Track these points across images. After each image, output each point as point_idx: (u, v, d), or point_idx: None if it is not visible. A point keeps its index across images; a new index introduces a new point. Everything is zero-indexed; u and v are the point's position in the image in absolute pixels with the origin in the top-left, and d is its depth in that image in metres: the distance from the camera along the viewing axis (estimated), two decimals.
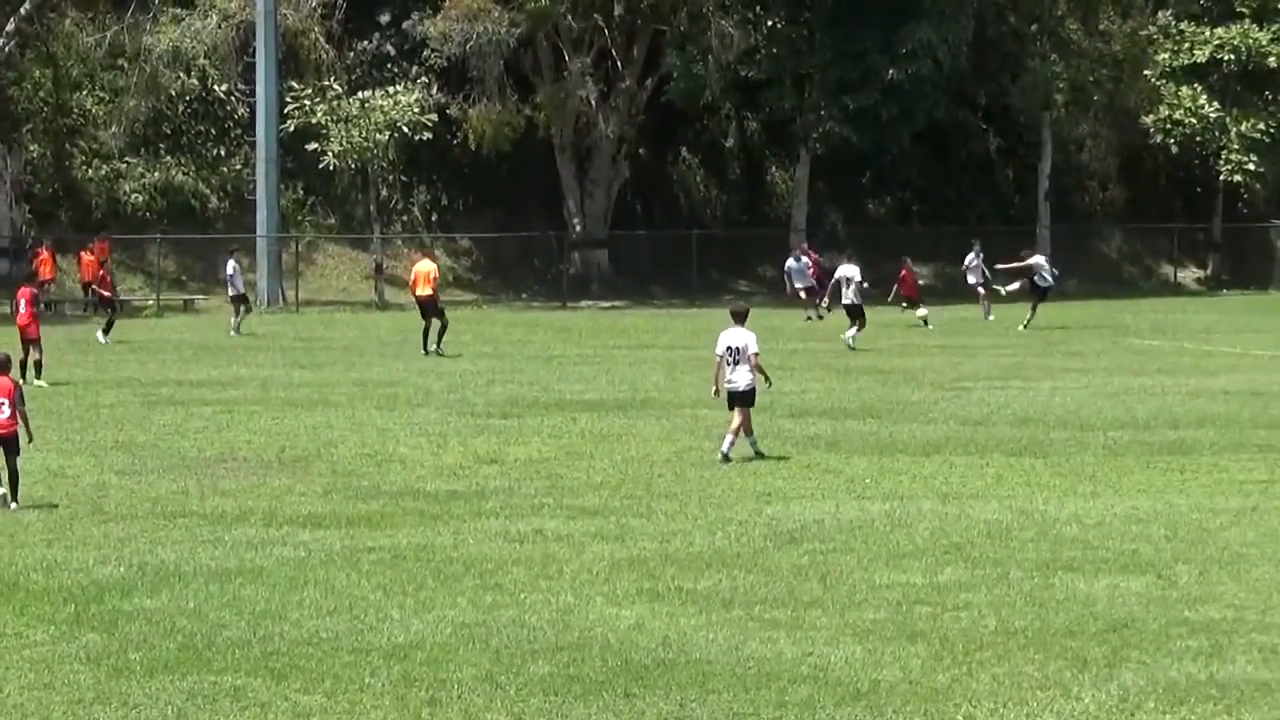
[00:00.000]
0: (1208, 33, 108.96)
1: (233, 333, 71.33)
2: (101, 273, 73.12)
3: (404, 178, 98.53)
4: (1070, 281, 78.91)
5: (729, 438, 39.69)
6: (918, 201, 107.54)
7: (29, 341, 49.85)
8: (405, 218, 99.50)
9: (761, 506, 34.74)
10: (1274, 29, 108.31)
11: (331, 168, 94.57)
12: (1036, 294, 72.75)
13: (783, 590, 27.53)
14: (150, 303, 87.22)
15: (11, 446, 33.79)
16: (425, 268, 66.82)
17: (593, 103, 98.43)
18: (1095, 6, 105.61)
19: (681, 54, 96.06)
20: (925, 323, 72.97)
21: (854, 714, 21.08)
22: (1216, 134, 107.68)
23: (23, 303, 47.86)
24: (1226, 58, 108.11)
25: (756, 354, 39.68)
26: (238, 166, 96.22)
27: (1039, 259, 74.13)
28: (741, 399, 39.60)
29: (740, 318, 40.13)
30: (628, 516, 33.77)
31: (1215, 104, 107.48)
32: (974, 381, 55.95)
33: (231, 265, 74.38)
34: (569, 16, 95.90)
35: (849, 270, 66.38)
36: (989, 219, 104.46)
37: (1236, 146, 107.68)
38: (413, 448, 42.36)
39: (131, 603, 26.60)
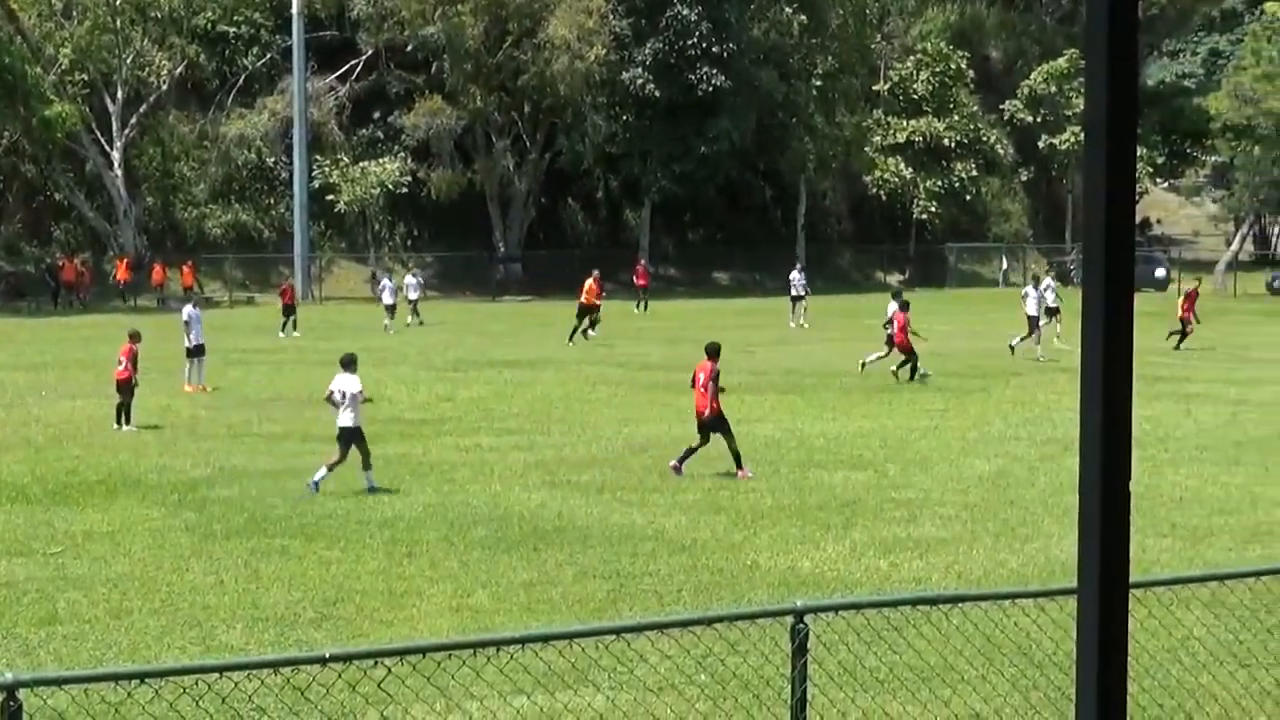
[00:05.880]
0: (905, 123, 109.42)
1: (388, 332, 65.18)
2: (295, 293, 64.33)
3: (389, 217, 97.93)
4: (818, 284, 78.66)
5: None
6: (720, 231, 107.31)
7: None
8: (390, 243, 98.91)
9: (621, 428, 34.82)
10: (947, 121, 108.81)
11: (342, 211, 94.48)
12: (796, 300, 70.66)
13: (635, 481, 27.63)
14: (225, 299, 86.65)
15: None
16: (590, 283, 61.98)
17: (510, 168, 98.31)
18: (833, 107, 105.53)
19: (568, 137, 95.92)
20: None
21: (681, 561, 21.15)
22: (910, 188, 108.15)
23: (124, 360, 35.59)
24: (917, 139, 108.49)
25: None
26: (281, 210, 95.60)
27: (794, 275, 72.27)
28: None
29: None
30: (535, 435, 33.81)
31: (909, 169, 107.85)
32: (757, 347, 56.03)
33: (384, 282, 71.88)
34: (495, 113, 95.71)
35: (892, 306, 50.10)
36: (765, 244, 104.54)
37: (923, 197, 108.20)
38: (396, 390, 42.21)
39: (214, 492, 26.55)
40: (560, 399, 40.60)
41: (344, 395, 26.95)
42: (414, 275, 75.12)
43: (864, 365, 46.39)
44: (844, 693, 13.69)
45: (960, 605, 12.76)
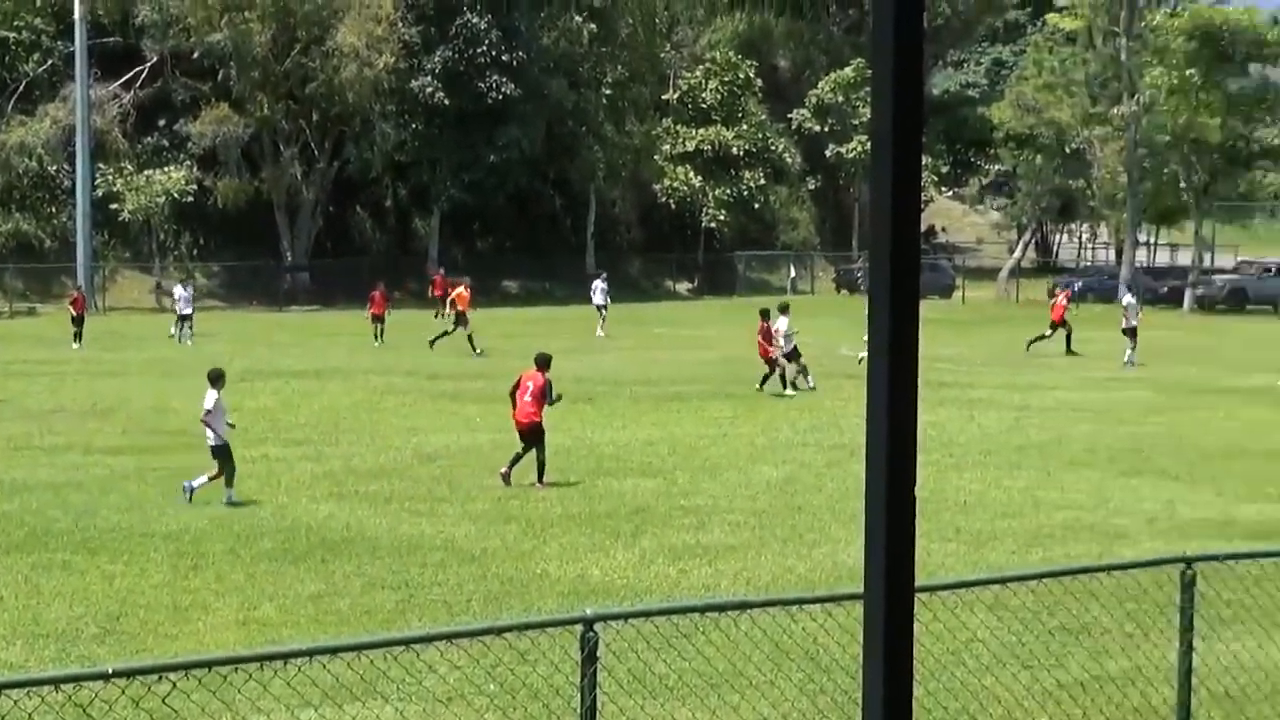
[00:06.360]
0: (694, 132, 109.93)
1: (181, 342, 62.94)
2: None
3: (175, 226, 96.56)
4: (610, 293, 78.49)
5: None
6: (509, 240, 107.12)
7: None
8: (175, 252, 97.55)
9: (409, 437, 34.66)
10: (736, 130, 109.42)
11: (126, 220, 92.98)
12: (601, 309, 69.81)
13: (424, 491, 27.53)
14: (5, 310, 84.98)
15: (536, 434, 28.99)
16: (462, 290, 61.67)
17: (299, 177, 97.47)
18: (622, 116, 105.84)
19: (357, 145, 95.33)
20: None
21: (470, 570, 21.11)
22: (699, 196, 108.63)
23: None
24: (706, 148, 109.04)
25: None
26: (63, 219, 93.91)
27: (596, 283, 71.83)
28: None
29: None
30: (323, 445, 33.57)
31: (698, 177, 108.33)
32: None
33: (178, 290, 67.68)
34: (283, 121, 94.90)
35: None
36: (555, 252, 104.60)
37: (712, 205, 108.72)
38: (182, 402, 41.47)
39: None
40: (348, 409, 40.33)
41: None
42: (182, 288, 68.42)
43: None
44: (634, 700, 13.71)
45: (748, 611, 12.83)
